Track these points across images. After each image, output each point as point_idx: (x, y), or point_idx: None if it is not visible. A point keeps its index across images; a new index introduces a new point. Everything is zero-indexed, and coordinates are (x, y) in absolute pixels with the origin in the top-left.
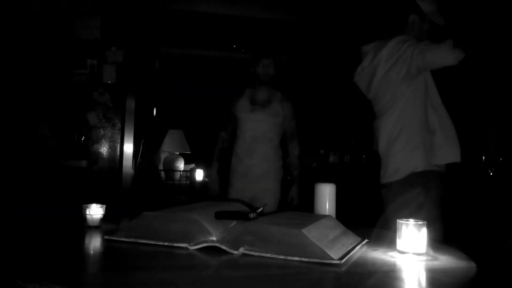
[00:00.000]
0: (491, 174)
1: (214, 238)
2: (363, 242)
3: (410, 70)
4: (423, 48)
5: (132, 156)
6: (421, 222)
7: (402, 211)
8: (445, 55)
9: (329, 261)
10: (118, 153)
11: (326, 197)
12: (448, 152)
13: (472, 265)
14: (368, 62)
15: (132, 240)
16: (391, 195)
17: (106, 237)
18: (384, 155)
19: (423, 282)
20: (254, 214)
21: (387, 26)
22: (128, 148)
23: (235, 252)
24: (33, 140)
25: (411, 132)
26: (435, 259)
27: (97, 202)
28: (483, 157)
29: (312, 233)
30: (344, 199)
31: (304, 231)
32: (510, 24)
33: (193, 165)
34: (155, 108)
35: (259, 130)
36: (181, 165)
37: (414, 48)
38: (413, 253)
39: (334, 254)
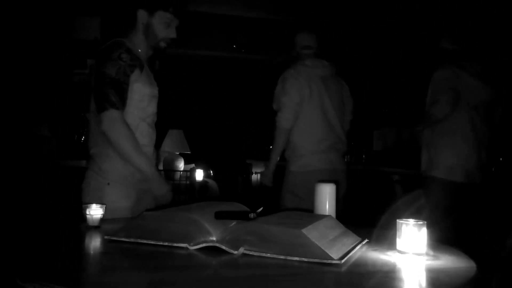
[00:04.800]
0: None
1: (214, 238)
2: (363, 242)
3: None
4: None
5: None
6: (421, 222)
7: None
8: None
9: (329, 261)
10: None
11: (326, 197)
12: None
13: (472, 265)
14: None
15: (132, 240)
16: None
17: (106, 237)
18: None
19: (423, 282)
20: (254, 214)
21: None
22: None
23: (235, 252)
24: (33, 140)
25: None
26: (435, 259)
27: (97, 202)
28: None
29: (312, 233)
30: (344, 199)
31: (304, 231)
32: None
33: (193, 165)
34: None
35: (155, 113)
36: (181, 165)
37: None
38: (413, 253)
39: (334, 254)
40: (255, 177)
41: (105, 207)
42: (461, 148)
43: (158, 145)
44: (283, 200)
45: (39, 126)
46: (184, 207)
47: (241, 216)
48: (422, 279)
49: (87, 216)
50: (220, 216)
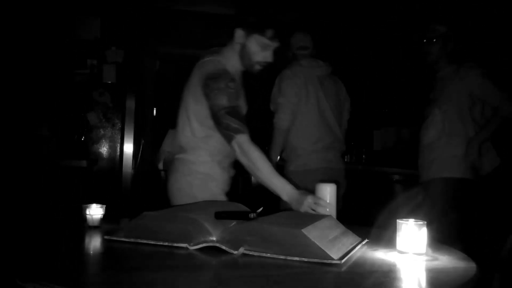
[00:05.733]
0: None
1: (214, 238)
2: (363, 242)
3: None
4: None
5: (132, 156)
6: (421, 222)
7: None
8: None
9: (329, 261)
10: (118, 153)
11: (326, 197)
12: None
13: (472, 265)
14: None
15: (132, 240)
16: None
17: (106, 237)
18: None
19: (423, 282)
20: (254, 214)
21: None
22: (128, 148)
23: (235, 252)
24: (33, 140)
25: None
26: (435, 259)
27: (97, 202)
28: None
29: (312, 233)
30: (344, 199)
31: (304, 231)
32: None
33: None
34: (155, 108)
35: None
36: None
37: None
38: (413, 253)
39: (334, 254)
40: None
41: None
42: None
43: (158, 145)
44: (282, 200)
45: (39, 126)
46: (184, 207)
47: (241, 216)
48: (422, 279)
49: (87, 216)
50: (220, 216)
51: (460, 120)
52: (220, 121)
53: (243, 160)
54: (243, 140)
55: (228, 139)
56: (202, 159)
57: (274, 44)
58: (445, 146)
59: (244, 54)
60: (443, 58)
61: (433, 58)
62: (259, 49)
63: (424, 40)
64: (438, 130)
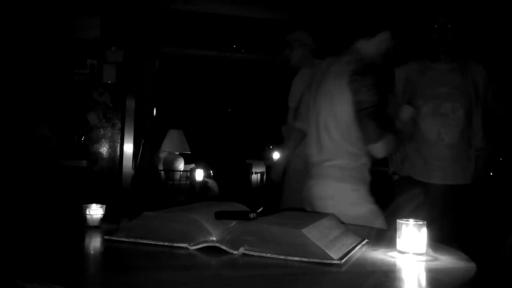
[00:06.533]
0: (491, 174)
1: (214, 238)
2: (363, 242)
3: None
4: None
5: (132, 156)
6: (421, 222)
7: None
8: None
9: (329, 261)
10: (118, 153)
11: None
12: None
13: (472, 265)
14: None
15: (132, 240)
16: None
17: (106, 237)
18: None
19: (423, 282)
20: (254, 214)
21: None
22: (128, 148)
23: (235, 252)
24: (33, 140)
25: None
26: (435, 259)
27: (97, 202)
28: None
29: (312, 233)
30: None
31: (304, 231)
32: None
33: (193, 165)
34: (155, 108)
35: None
36: (181, 165)
37: None
38: (413, 253)
39: (334, 254)
40: (255, 177)
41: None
42: None
43: (158, 145)
44: (283, 200)
45: (39, 126)
46: (184, 207)
47: (241, 216)
48: (422, 279)
49: (87, 216)
50: (220, 216)
51: (476, 120)
52: (369, 118)
53: (384, 153)
54: (387, 138)
55: (376, 138)
56: (353, 163)
57: (395, 41)
58: (466, 149)
59: (376, 52)
60: (451, 50)
61: (445, 47)
62: (384, 48)
63: (436, 26)
64: (460, 129)
